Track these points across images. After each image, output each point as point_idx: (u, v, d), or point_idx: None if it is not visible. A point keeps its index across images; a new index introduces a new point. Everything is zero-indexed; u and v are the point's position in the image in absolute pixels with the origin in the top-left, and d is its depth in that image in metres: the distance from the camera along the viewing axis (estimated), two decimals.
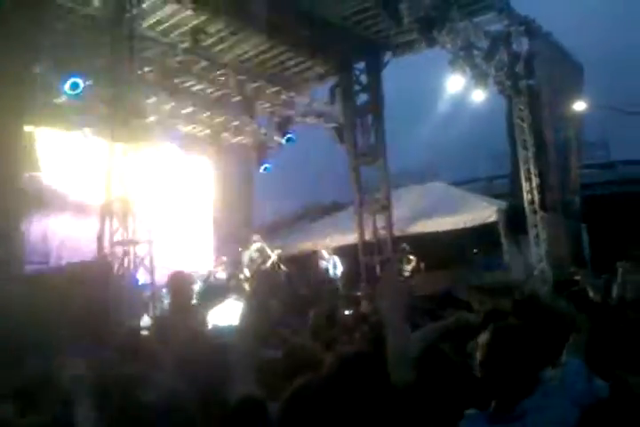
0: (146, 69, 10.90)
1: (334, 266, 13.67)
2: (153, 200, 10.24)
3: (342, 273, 13.91)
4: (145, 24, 10.70)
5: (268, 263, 11.03)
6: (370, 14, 12.60)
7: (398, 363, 2.09)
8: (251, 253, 10.98)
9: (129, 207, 9.18)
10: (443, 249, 16.73)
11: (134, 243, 9.22)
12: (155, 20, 11.26)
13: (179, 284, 5.59)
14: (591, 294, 4.84)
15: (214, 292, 5.98)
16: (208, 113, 14.66)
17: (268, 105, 15.13)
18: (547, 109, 14.41)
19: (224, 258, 12.07)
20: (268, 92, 14.53)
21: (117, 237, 9.13)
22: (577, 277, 10.72)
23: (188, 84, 13.64)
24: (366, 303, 7.54)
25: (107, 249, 9.02)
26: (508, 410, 2.23)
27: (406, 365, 2.13)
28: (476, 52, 12.97)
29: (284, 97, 15.28)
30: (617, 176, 27.39)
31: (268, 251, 11.37)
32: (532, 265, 14.25)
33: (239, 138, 15.73)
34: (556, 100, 15.03)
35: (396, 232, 15.14)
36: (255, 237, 11.20)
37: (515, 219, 14.64)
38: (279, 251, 11.53)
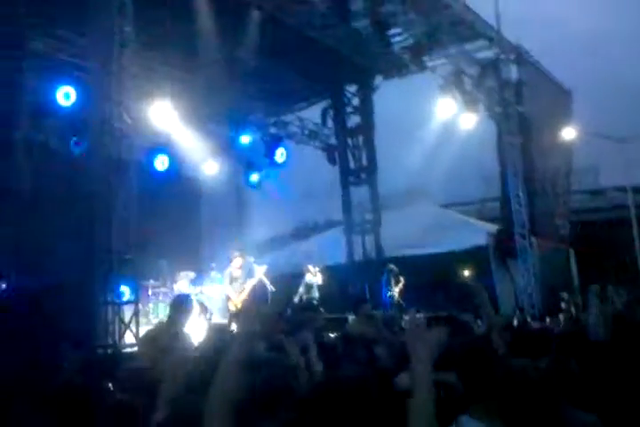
0: None
1: (316, 284, 13.64)
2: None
3: (328, 294, 13.86)
4: None
5: (253, 282, 10.86)
6: (363, 39, 12.77)
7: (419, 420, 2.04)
8: (232, 270, 10.82)
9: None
10: (432, 271, 16.77)
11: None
12: None
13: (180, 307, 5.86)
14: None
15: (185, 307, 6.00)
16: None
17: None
18: (536, 135, 14.58)
19: (190, 273, 11.99)
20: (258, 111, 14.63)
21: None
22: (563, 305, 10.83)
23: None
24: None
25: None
26: None
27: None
28: (466, 78, 13.16)
29: (274, 117, 15.43)
30: (606, 202, 27.60)
31: (253, 268, 11.26)
32: (520, 289, 14.27)
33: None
34: (545, 126, 15.22)
35: (385, 253, 15.18)
36: (236, 253, 10.94)
37: (505, 243, 14.68)
38: (265, 267, 11.39)
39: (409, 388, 2.41)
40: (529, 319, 10.13)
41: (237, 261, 10.70)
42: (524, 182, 14.26)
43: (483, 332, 4.26)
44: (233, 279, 10.62)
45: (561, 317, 6.31)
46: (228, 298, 10.54)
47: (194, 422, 2.08)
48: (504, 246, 14.75)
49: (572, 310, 8.73)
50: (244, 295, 10.63)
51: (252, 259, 11.39)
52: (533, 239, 14.47)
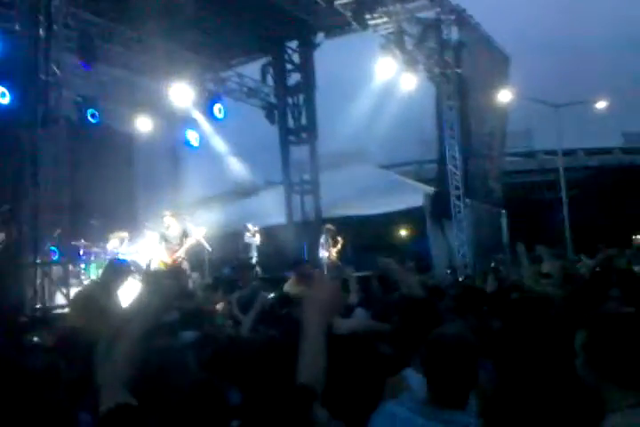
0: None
1: (254, 244, 13.59)
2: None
3: (266, 254, 13.84)
4: None
5: (191, 241, 10.68)
6: None
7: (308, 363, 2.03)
8: (163, 229, 10.61)
9: None
10: (370, 232, 16.98)
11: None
12: None
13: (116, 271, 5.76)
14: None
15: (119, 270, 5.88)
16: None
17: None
18: (473, 98, 14.74)
19: (122, 233, 11.73)
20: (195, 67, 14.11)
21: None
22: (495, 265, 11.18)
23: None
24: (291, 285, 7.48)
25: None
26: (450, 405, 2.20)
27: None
28: (407, 38, 13.07)
29: (212, 73, 14.96)
30: (537, 165, 28.52)
31: (188, 228, 11.07)
32: (454, 250, 14.65)
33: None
34: (482, 89, 15.39)
35: (324, 214, 15.22)
36: (167, 212, 10.71)
37: (440, 204, 14.96)
38: (204, 229, 11.20)
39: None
40: (460, 279, 10.40)
41: (168, 220, 10.54)
42: (461, 144, 14.48)
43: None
44: (164, 239, 10.46)
45: (490, 277, 6.52)
46: (157, 258, 10.33)
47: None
48: (439, 208, 15.03)
49: (502, 269, 9.04)
50: (179, 254, 10.48)
51: (187, 218, 11.20)
52: (468, 201, 14.80)
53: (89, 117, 11.99)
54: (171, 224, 10.52)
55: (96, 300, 5.53)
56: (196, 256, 12.34)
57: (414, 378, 2.63)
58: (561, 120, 21.19)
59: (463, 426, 2.16)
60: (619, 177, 25.11)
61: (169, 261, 10.34)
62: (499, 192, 17.59)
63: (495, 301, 4.14)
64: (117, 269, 5.90)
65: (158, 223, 11.02)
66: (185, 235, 10.62)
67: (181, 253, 10.49)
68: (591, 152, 30.37)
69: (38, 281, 9.05)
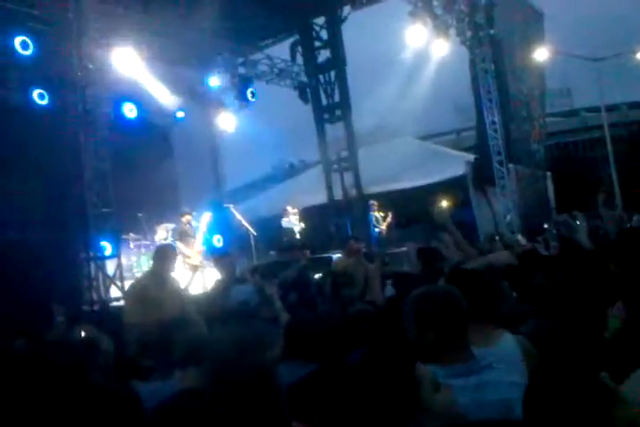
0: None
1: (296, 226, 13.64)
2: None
3: (309, 235, 13.86)
4: None
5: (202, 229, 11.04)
6: None
7: None
8: (181, 226, 11.02)
9: None
10: (413, 205, 16.81)
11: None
12: None
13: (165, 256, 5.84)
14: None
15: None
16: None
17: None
18: (509, 59, 14.34)
19: (169, 225, 11.98)
20: (225, 52, 14.08)
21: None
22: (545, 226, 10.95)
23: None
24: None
25: None
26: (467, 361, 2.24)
27: None
28: (435, 3, 12.74)
29: (242, 57, 14.88)
30: (580, 123, 27.68)
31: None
32: (500, 216, 14.42)
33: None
34: (517, 49, 14.95)
35: (366, 190, 15.13)
36: (185, 209, 11.26)
37: (483, 171, 14.70)
38: (208, 214, 11.49)
39: None
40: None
41: (186, 218, 10.86)
42: (499, 108, 14.14)
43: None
44: (182, 235, 10.74)
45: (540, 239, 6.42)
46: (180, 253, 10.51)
47: None
48: (482, 175, 14.78)
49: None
50: (198, 248, 10.75)
51: (207, 214, 11.44)
52: (511, 166, 14.50)
53: (126, 112, 12.10)
54: (187, 221, 10.87)
55: (149, 290, 5.63)
56: (241, 242, 12.49)
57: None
58: (601, 74, 20.46)
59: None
60: None
61: (190, 254, 10.54)
62: (542, 154, 17.18)
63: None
64: (164, 253, 5.97)
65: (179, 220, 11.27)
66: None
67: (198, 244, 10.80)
68: (635, 106, 29.23)
69: (93, 275, 9.30)
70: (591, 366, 1.69)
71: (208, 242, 11.59)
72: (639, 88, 28.38)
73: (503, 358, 2.34)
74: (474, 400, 2.16)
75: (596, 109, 23.74)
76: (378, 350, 2.34)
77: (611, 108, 23.62)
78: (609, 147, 20.78)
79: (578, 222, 5.21)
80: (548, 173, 17.67)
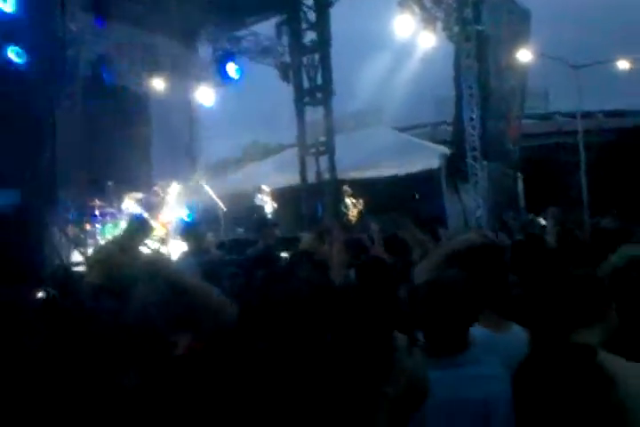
0: None
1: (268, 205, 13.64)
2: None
3: (280, 215, 13.88)
4: None
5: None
6: None
7: None
8: (151, 198, 10.99)
9: None
10: (385, 195, 16.91)
11: None
12: None
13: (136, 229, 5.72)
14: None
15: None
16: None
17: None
18: (493, 57, 14.42)
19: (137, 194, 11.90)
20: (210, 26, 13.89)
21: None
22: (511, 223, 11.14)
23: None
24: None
25: None
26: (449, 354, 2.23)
27: None
28: None
29: (227, 32, 14.70)
30: (554, 127, 28.05)
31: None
32: (470, 211, 14.58)
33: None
34: (503, 47, 15.04)
35: (339, 176, 15.16)
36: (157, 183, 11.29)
37: (456, 166, 14.83)
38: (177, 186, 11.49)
39: None
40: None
41: (156, 190, 10.82)
42: (479, 105, 14.22)
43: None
44: (150, 206, 10.72)
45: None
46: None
47: None
48: (455, 169, 14.91)
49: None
50: (165, 219, 10.73)
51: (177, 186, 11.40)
52: (484, 163, 14.64)
53: (105, 77, 11.87)
54: (157, 194, 10.81)
55: (114, 258, 5.55)
56: (209, 215, 12.45)
57: None
58: (580, 80, 20.72)
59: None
60: (638, 140, 24.65)
61: (159, 225, 10.53)
62: (516, 155, 17.39)
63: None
64: (140, 225, 5.88)
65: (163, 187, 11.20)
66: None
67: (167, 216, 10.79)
68: (611, 114, 29.73)
69: (56, 239, 9.18)
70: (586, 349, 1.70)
71: (176, 215, 11.53)
72: (616, 97, 28.87)
73: (514, 344, 2.36)
74: (455, 395, 2.15)
75: (571, 115, 24.06)
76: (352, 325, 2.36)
77: (586, 115, 23.97)
78: (581, 153, 21.11)
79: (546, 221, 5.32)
80: (520, 174, 17.93)
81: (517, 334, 2.54)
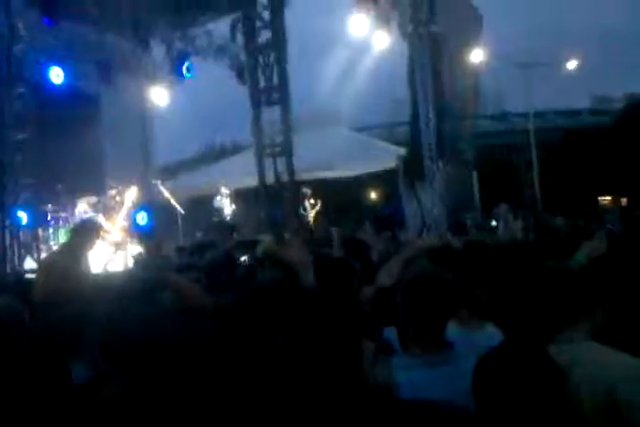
0: None
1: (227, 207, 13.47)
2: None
3: (238, 217, 13.74)
4: None
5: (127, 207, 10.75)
6: None
7: None
8: (106, 201, 10.71)
9: None
10: (343, 195, 16.96)
11: None
12: None
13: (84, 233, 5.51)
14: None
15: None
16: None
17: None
18: (447, 57, 14.59)
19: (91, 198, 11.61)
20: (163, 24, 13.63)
21: None
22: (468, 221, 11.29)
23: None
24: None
25: None
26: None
27: None
28: None
29: (180, 31, 14.45)
30: (507, 127, 28.60)
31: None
32: (427, 210, 14.71)
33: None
34: (456, 48, 15.24)
35: (297, 177, 15.08)
36: (112, 185, 10.96)
37: (413, 166, 14.95)
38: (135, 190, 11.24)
39: None
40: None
41: (112, 193, 10.61)
42: (433, 105, 14.36)
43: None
44: (106, 210, 10.48)
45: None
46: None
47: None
48: (412, 169, 15.04)
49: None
50: (121, 224, 10.50)
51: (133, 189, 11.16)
52: (440, 162, 14.80)
53: (53, 77, 11.48)
54: (113, 195, 10.59)
55: (62, 265, 5.35)
56: (166, 218, 12.21)
57: None
58: (531, 81, 21.18)
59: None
60: (587, 139, 25.35)
61: (114, 229, 10.29)
62: (470, 154, 17.66)
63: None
64: (88, 229, 5.71)
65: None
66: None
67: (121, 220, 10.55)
68: (561, 113, 30.50)
69: (7, 245, 8.87)
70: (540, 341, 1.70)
71: (132, 219, 11.27)
72: (566, 96, 29.60)
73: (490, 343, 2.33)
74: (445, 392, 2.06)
75: (524, 115, 24.55)
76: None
77: (538, 115, 24.52)
78: (533, 152, 21.57)
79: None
80: (475, 173, 18.19)
81: (492, 334, 2.54)
